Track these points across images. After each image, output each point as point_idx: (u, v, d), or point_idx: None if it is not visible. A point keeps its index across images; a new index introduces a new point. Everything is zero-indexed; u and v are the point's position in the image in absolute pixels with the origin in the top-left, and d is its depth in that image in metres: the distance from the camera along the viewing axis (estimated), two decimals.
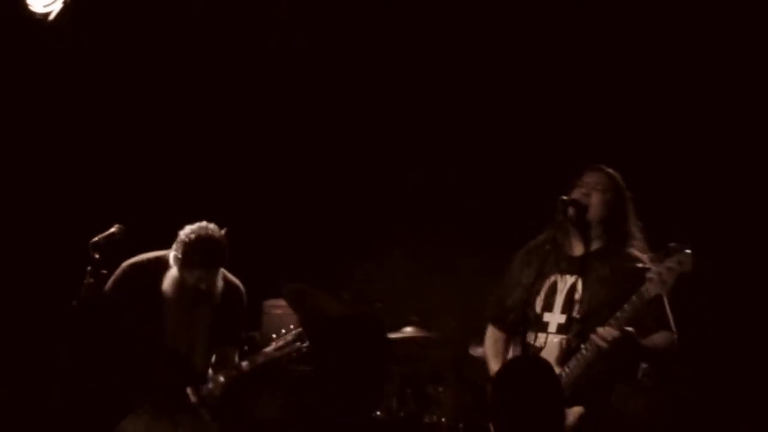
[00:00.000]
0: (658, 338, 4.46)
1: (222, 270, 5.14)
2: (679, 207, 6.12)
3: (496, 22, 6.85)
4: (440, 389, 6.21)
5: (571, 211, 4.59)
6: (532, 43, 6.75)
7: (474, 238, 6.96)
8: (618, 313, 4.32)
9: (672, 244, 4.28)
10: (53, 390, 3.51)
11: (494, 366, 4.67)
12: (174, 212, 5.34)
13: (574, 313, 4.53)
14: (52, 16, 6.01)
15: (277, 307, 6.99)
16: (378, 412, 6.04)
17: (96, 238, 4.91)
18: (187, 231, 5.03)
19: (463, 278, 6.99)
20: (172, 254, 5.04)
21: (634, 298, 4.31)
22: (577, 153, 5.36)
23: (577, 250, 4.65)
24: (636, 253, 4.55)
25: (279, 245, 7.25)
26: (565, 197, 4.60)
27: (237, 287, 5.23)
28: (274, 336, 5.08)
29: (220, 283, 5.11)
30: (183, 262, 4.99)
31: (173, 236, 5.08)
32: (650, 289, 4.29)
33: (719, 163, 6.22)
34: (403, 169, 7.19)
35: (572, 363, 4.41)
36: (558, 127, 6.61)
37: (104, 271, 4.91)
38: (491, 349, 4.78)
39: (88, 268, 4.85)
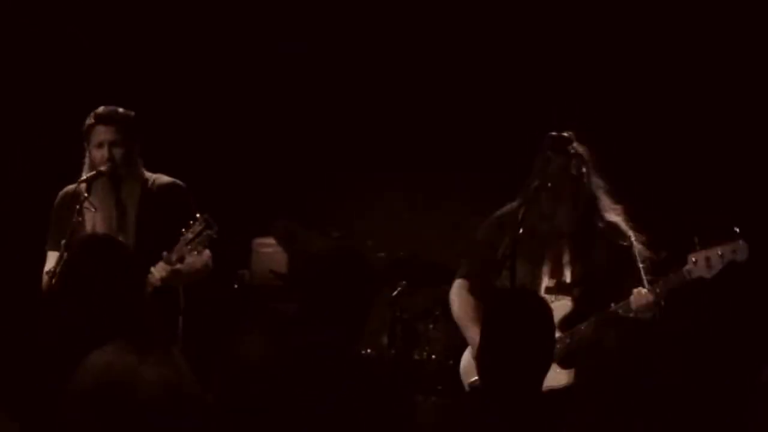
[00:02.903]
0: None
1: (155, 175, 5.00)
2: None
3: None
4: (430, 326, 6.22)
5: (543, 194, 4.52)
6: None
7: (464, 176, 6.95)
8: (660, 283, 4.34)
9: (736, 230, 4.26)
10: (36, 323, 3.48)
11: (474, 332, 4.46)
12: (164, 152, 5.28)
13: (565, 278, 4.53)
14: None
15: (266, 245, 6.99)
16: (368, 350, 6.07)
17: (84, 176, 4.86)
18: None
19: (454, 217, 6.98)
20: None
21: (671, 276, 4.32)
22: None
23: (554, 218, 4.60)
24: (613, 218, 4.57)
25: (268, 183, 7.21)
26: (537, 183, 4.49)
27: (174, 183, 5.01)
28: (183, 231, 4.72)
29: (144, 172, 4.95)
30: (87, 133, 4.87)
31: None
32: (693, 272, 4.29)
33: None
34: (395, 108, 7.14)
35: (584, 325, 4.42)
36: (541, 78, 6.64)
37: (93, 209, 4.87)
38: (470, 314, 4.70)
39: (77, 206, 4.81)
